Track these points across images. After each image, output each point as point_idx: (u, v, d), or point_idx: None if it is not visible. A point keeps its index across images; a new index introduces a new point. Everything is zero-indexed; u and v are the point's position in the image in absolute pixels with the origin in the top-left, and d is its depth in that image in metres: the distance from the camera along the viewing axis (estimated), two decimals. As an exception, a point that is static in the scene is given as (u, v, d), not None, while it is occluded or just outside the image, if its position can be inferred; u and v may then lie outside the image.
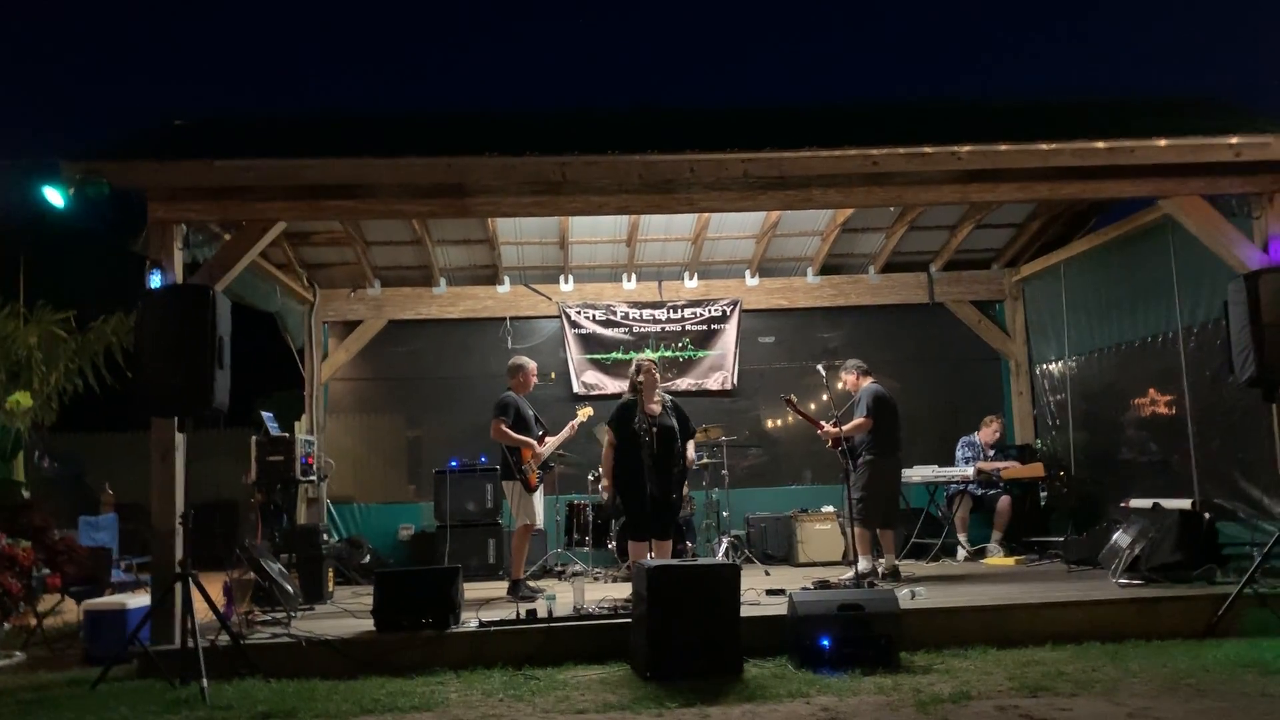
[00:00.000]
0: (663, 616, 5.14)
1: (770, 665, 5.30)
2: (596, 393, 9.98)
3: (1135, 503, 7.72)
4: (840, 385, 8.17)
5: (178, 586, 5.38)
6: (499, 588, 7.61)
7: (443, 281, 10.16)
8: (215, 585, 6.05)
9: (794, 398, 8.00)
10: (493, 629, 5.70)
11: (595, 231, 9.52)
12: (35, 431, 8.96)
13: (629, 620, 5.57)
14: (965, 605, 6.06)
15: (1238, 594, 5.77)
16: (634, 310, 10.25)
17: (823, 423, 7.83)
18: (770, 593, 6.57)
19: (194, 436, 5.84)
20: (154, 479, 5.90)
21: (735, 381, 10.24)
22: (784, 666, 5.26)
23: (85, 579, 7.03)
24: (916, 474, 9.10)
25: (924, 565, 8.58)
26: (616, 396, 9.55)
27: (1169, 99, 8.51)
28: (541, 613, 5.83)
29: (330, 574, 7.72)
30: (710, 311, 10.29)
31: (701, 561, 6.84)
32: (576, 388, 10.08)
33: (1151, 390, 8.27)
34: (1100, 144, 6.40)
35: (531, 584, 7.60)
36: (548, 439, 7.70)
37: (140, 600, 6.20)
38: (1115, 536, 7.00)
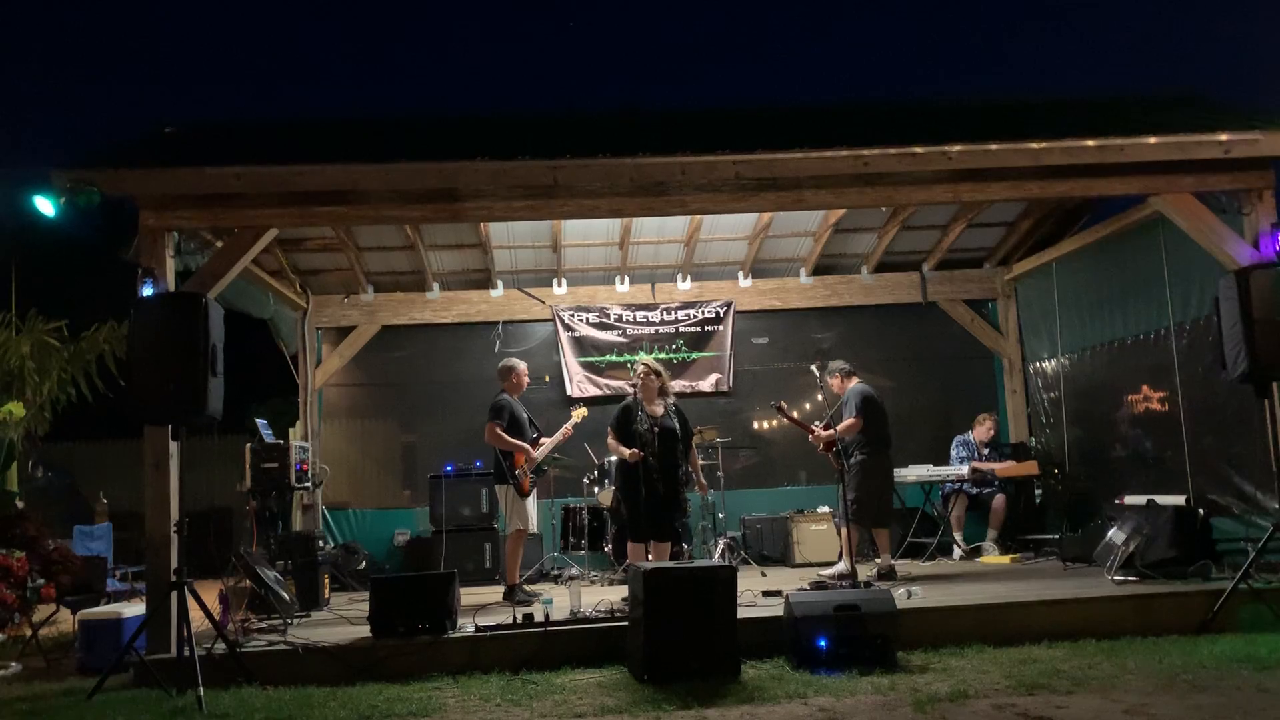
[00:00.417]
0: (659, 619, 5.14)
1: (767, 666, 5.30)
2: (591, 395, 9.98)
3: (1129, 499, 7.74)
4: (827, 388, 8.17)
5: (173, 595, 5.37)
6: (495, 592, 7.60)
7: (436, 286, 10.15)
8: (211, 593, 6.04)
9: (784, 404, 8.02)
10: (489, 634, 5.69)
11: (588, 234, 9.52)
12: (29, 441, 8.95)
13: (626, 623, 5.57)
14: (961, 604, 6.07)
15: (1233, 589, 5.78)
16: (627, 313, 10.25)
17: (814, 426, 7.84)
18: (767, 594, 6.58)
19: (188, 444, 5.83)
20: (148, 487, 5.88)
21: (730, 383, 10.24)
22: (781, 667, 5.26)
23: (80, 588, 7.02)
24: (912, 473, 9.12)
25: (920, 564, 8.59)
26: (611, 399, 9.58)
27: (1158, 96, 8.53)
28: (538, 617, 5.82)
29: (326, 580, 7.71)
30: (704, 313, 10.29)
31: (697, 563, 6.84)
32: (571, 391, 10.07)
33: (1144, 387, 8.29)
34: (1090, 142, 6.42)
35: (527, 588, 7.60)
36: (542, 441, 7.69)
37: (136, 609, 6.18)
38: (1110, 533, 7.01)
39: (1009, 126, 6.99)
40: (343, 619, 6.58)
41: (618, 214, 7.50)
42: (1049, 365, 9.78)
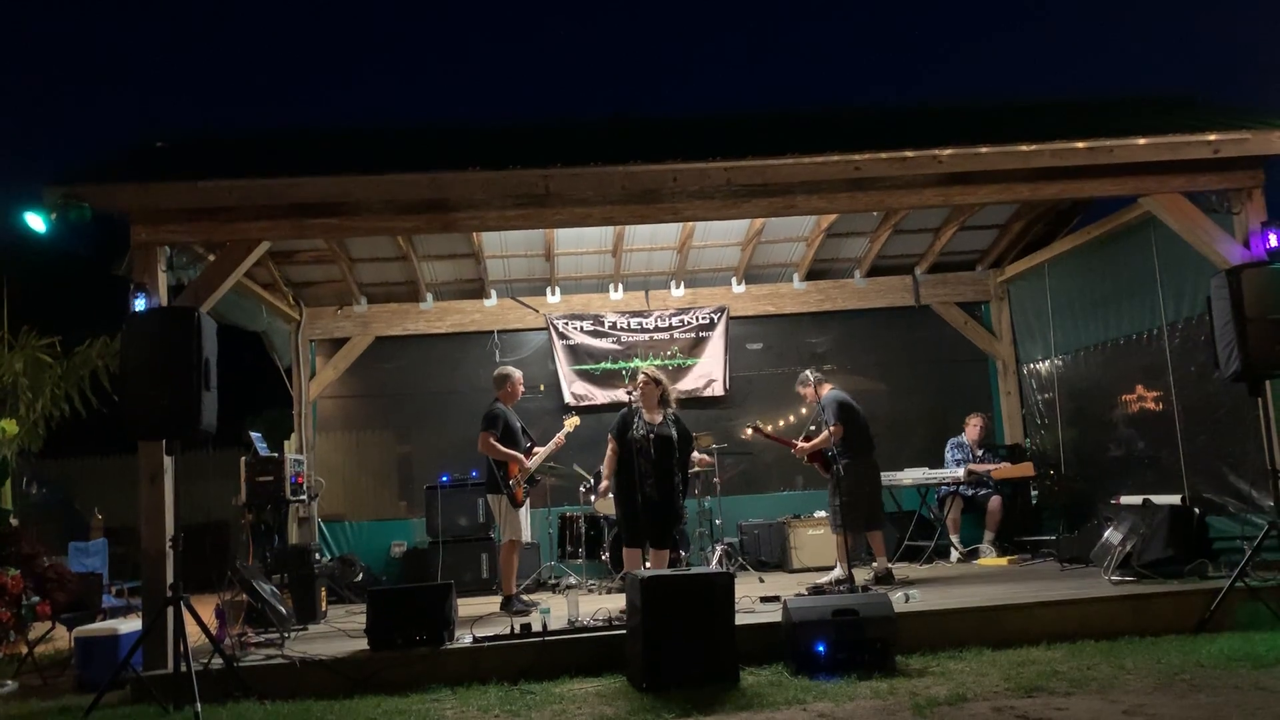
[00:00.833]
0: (657, 627, 5.13)
1: (766, 673, 5.29)
2: (586, 403, 9.97)
3: (1125, 499, 7.75)
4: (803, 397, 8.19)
5: (169, 610, 5.35)
6: (493, 602, 7.58)
7: (429, 296, 10.15)
8: (207, 608, 6.02)
9: (759, 425, 8.07)
10: (487, 644, 5.68)
11: (581, 243, 9.52)
12: (23, 458, 8.92)
13: (624, 631, 5.56)
14: (959, 607, 6.07)
15: (1229, 588, 5.79)
16: (622, 320, 10.25)
17: (795, 441, 7.86)
18: (765, 600, 6.58)
19: (182, 458, 5.82)
20: (143, 502, 5.87)
21: (725, 388, 10.24)
22: (780, 673, 5.26)
23: (76, 605, 6.99)
24: (908, 476, 9.13)
25: (918, 568, 8.59)
26: (606, 407, 9.59)
27: (1147, 97, 8.58)
28: (536, 626, 5.82)
29: (323, 593, 7.69)
30: (698, 319, 10.29)
31: (695, 570, 6.83)
32: (566, 399, 10.06)
33: (1138, 387, 8.31)
34: (1080, 144, 6.45)
35: (525, 598, 7.58)
36: (535, 451, 7.68)
37: (132, 625, 6.16)
38: (1106, 534, 7.02)
39: (999, 129, 7.01)
40: (340, 631, 6.56)
41: (610, 222, 7.51)
42: (1043, 367, 9.80)
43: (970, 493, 9.15)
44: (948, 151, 6.41)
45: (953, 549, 9.00)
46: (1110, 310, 8.61)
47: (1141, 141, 6.45)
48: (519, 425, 7.67)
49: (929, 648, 5.57)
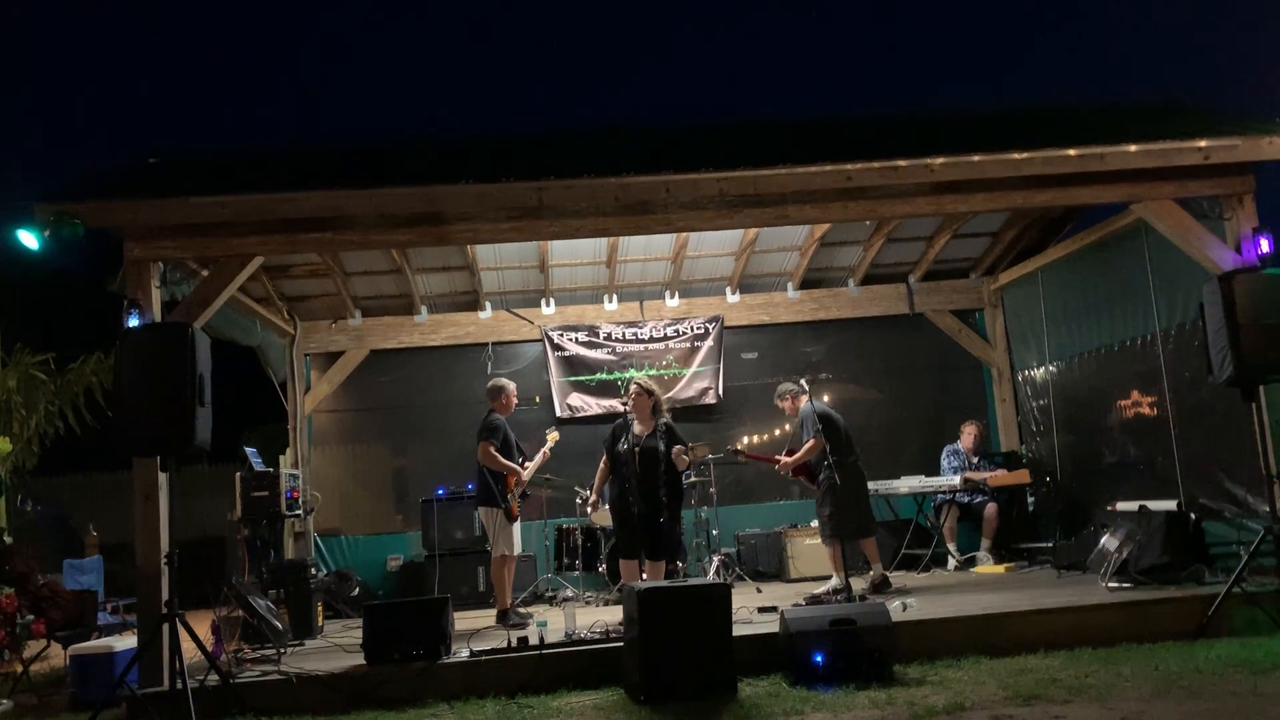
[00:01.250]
0: (655, 639, 5.12)
1: (764, 683, 5.28)
2: (581, 415, 9.97)
3: (1122, 505, 7.75)
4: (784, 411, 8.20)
5: (165, 627, 5.33)
6: (490, 615, 7.56)
7: (424, 309, 10.14)
8: (203, 624, 6.00)
9: (739, 447, 8.10)
10: (484, 658, 5.66)
11: (575, 254, 9.53)
12: (17, 476, 8.89)
13: (621, 644, 5.55)
14: (957, 615, 6.07)
15: (1226, 593, 5.79)
16: (616, 330, 10.25)
17: (778, 457, 7.87)
18: (762, 610, 6.57)
19: (178, 474, 5.79)
20: (138, 519, 5.85)
21: (720, 397, 10.24)
22: (778, 684, 5.25)
23: (71, 623, 6.96)
24: (904, 485, 9.12)
25: (915, 576, 8.58)
26: (601, 418, 9.58)
27: (1137, 104, 8.61)
28: (533, 639, 5.80)
29: (319, 608, 7.67)
30: (692, 329, 10.30)
31: (692, 581, 6.83)
32: (560, 411, 10.06)
33: (1133, 393, 8.32)
34: (1071, 151, 6.47)
35: (521, 610, 7.56)
36: (526, 464, 7.67)
37: (128, 642, 6.14)
38: (1103, 540, 7.02)
39: (990, 137, 7.04)
40: (337, 647, 6.54)
41: (604, 233, 7.52)
42: (1038, 373, 9.81)
43: (966, 500, 9.15)
44: (939, 160, 6.43)
45: (949, 557, 8.99)
46: (1104, 316, 8.63)
47: (1133, 148, 6.48)
48: (514, 438, 7.66)
49: (927, 656, 5.56)
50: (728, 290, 10.40)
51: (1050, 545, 8.40)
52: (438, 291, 10.05)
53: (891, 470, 9.42)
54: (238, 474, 8.06)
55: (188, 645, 5.29)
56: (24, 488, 9.67)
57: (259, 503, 7.89)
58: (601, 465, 7.23)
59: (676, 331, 10.29)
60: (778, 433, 9.92)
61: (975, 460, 9.32)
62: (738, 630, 5.46)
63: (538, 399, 10.10)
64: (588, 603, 8.30)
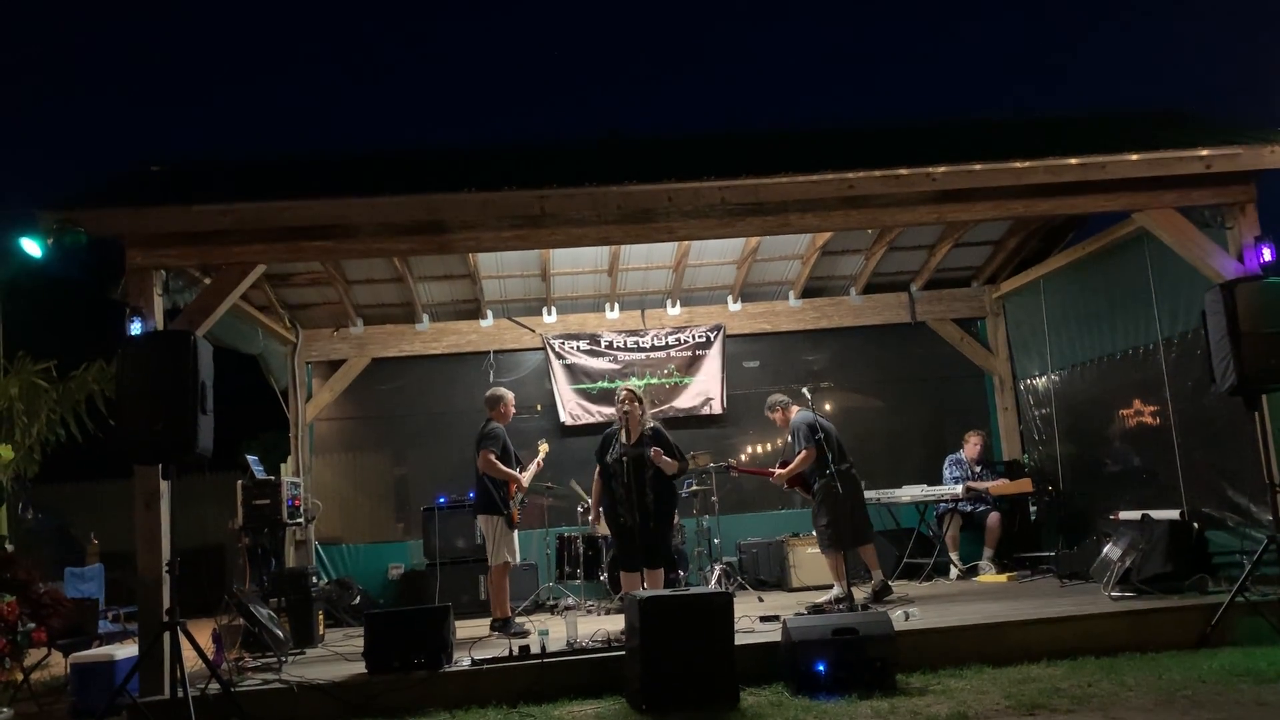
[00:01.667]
0: (656, 648, 5.10)
1: (766, 693, 5.27)
2: (584, 423, 9.96)
3: (1124, 515, 7.73)
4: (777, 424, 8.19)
5: (166, 635, 5.32)
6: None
7: (425, 318, 10.15)
8: (204, 632, 5.99)
9: (733, 462, 8.07)
10: (485, 667, 5.65)
11: (577, 262, 9.54)
12: (18, 483, 8.88)
13: (623, 653, 5.53)
14: (959, 624, 6.04)
15: (1229, 603, 5.77)
16: (618, 339, 10.26)
17: (772, 470, 7.87)
18: (764, 619, 6.55)
19: (179, 482, 5.80)
20: (139, 527, 5.84)
21: (723, 406, 10.24)
22: (780, 693, 5.23)
23: (72, 631, 6.95)
24: (906, 494, 9.12)
25: (917, 585, 8.57)
26: (604, 426, 9.56)
27: (1138, 113, 8.62)
28: (534, 648, 5.79)
29: (320, 617, 7.65)
30: (694, 338, 10.30)
31: (694, 590, 6.81)
32: (564, 418, 10.06)
33: (1135, 402, 8.31)
34: (1073, 160, 6.47)
35: (518, 619, 7.54)
36: (523, 474, 7.66)
37: (128, 651, 6.13)
38: (1106, 549, 7.01)
39: (992, 146, 7.04)
40: (338, 655, 6.53)
41: (605, 241, 7.52)
42: (1040, 382, 9.80)
43: (969, 509, 9.14)
44: (941, 169, 6.44)
45: (952, 566, 8.97)
46: (1106, 325, 8.62)
47: (1134, 157, 6.48)
48: (513, 447, 7.65)
49: (929, 666, 5.54)
50: (729, 299, 10.40)
51: (1053, 554, 8.39)
52: (439, 300, 10.06)
53: (893, 479, 9.41)
54: (239, 482, 8.05)
55: (189, 653, 5.29)
56: (25, 495, 9.65)
57: (260, 511, 7.88)
58: (596, 477, 7.21)
59: (678, 340, 10.29)
60: (779, 442, 9.89)
61: (978, 469, 9.30)
62: (740, 639, 5.44)
63: (539, 407, 10.11)
64: (589, 611, 8.28)
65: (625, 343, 10.25)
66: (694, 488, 8.96)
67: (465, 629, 7.19)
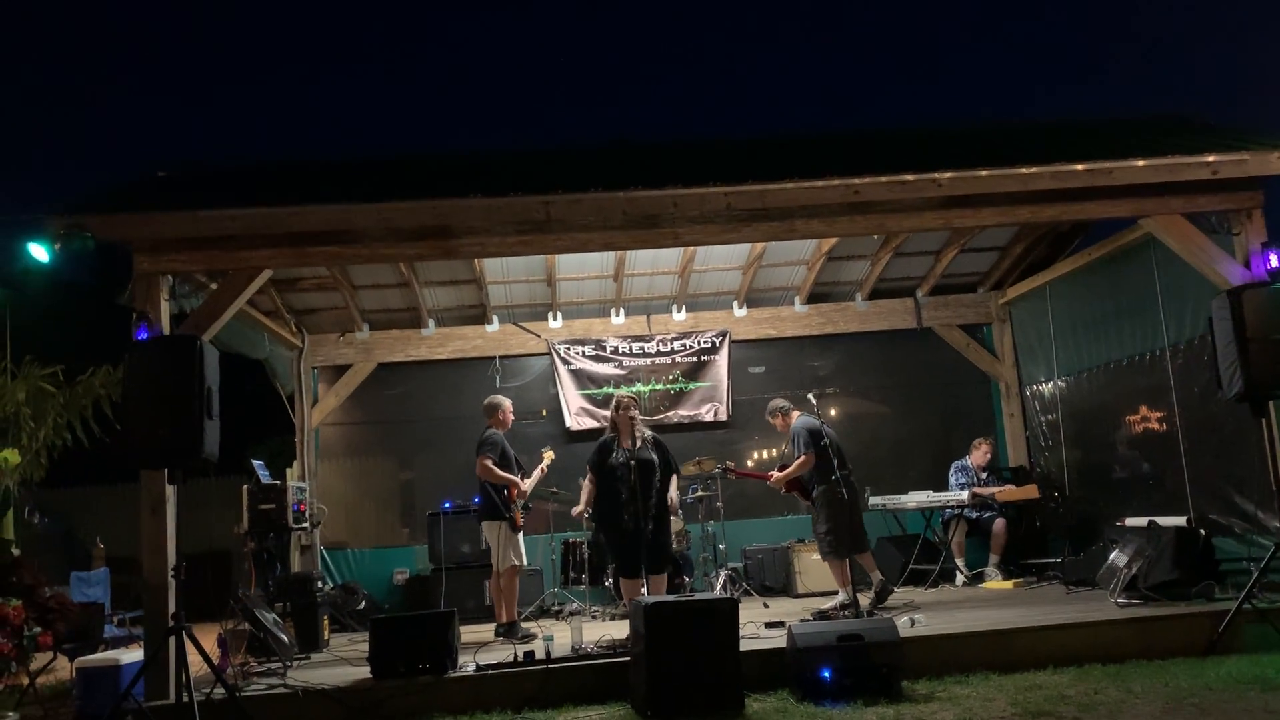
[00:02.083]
0: (661, 653, 5.10)
1: (771, 699, 5.25)
2: (590, 428, 9.95)
3: (1131, 521, 7.71)
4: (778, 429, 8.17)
5: (171, 640, 5.33)
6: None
7: (431, 323, 10.16)
8: (209, 637, 5.99)
9: (731, 464, 8.06)
10: (490, 672, 5.64)
11: (582, 268, 9.54)
12: (24, 488, 8.90)
13: (628, 659, 5.53)
14: (965, 631, 6.03)
15: (1237, 610, 5.75)
16: (624, 344, 10.26)
17: (771, 473, 7.85)
18: (769, 625, 6.54)
19: (184, 487, 5.80)
20: (144, 532, 5.85)
21: (728, 412, 10.23)
22: (785, 700, 5.22)
23: (77, 635, 6.95)
24: (912, 500, 9.10)
25: (923, 591, 8.55)
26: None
27: (1145, 118, 8.61)
28: (539, 654, 5.78)
29: (325, 622, 7.65)
30: (699, 343, 10.30)
31: (699, 596, 6.80)
32: (569, 424, 10.06)
33: (1142, 408, 8.30)
34: (1079, 166, 6.46)
35: (522, 625, 7.53)
36: (524, 481, 7.66)
37: (134, 655, 6.12)
38: (1112, 556, 6.98)
39: (998, 152, 7.04)
40: (343, 660, 6.53)
41: (611, 247, 7.53)
42: (1046, 388, 9.79)
43: (975, 515, 9.12)
44: (947, 175, 6.43)
45: (958, 572, 8.95)
46: (1112, 331, 8.61)
47: (1140, 163, 6.47)
48: (512, 453, 7.66)
49: (935, 672, 5.53)
50: (735, 304, 10.40)
51: (1059, 561, 8.36)
52: (445, 305, 10.07)
53: (899, 485, 9.40)
54: (244, 487, 8.06)
55: (194, 658, 5.28)
56: (31, 500, 9.68)
57: (265, 515, 7.89)
58: (588, 484, 7.17)
59: (683, 345, 10.29)
60: (785, 447, 9.89)
61: (984, 475, 9.29)
62: (745, 645, 5.43)
63: (544, 412, 10.11)
64: (594, 617, 8.28)
65: (630, 348, 10.26)
66: (699, 493, 8.95)
67: (470, 634, 7.19)
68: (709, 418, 10.21)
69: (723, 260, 9.68)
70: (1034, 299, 9.86)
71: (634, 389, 9.87)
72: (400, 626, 5.91)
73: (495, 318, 10.19)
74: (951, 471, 9.37)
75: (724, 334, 10.32)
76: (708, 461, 8.96)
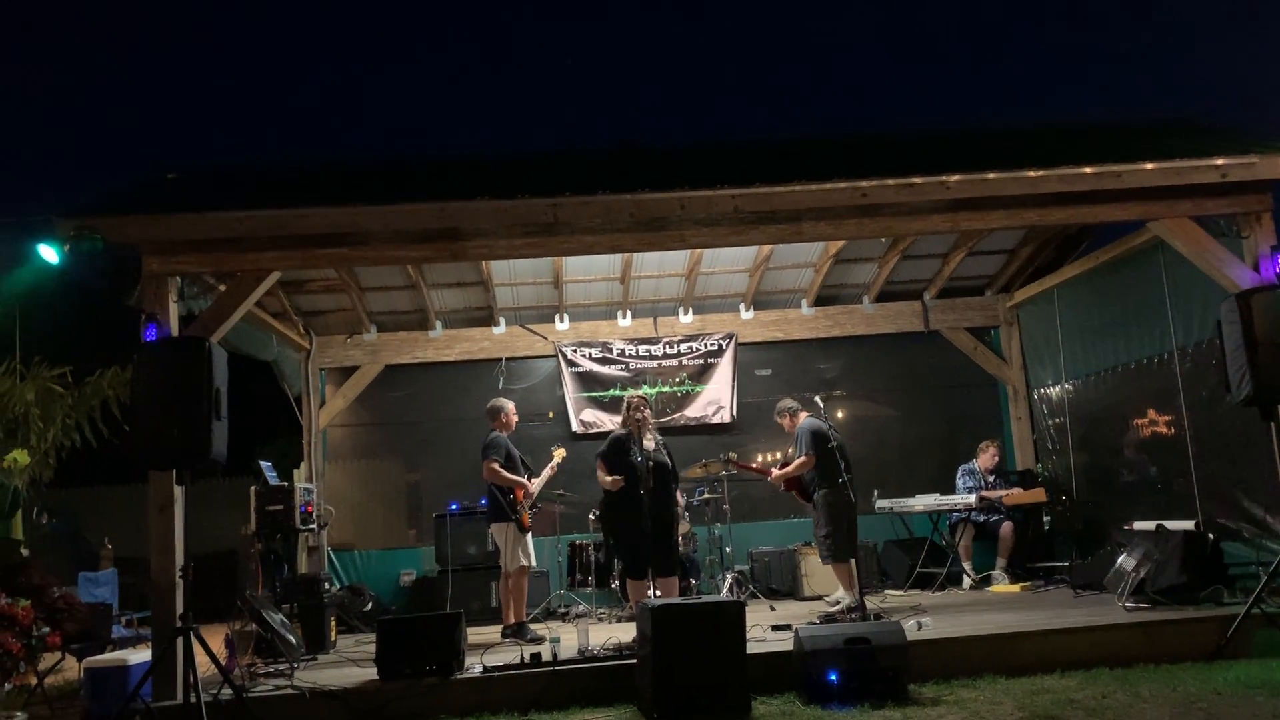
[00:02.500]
0: (668, 656, 5.10)
1: (778, 702, 5.25)
2: (595, 430, 9.96)
3: (1138, 525, 7.68)
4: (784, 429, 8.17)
5: (179, 640, 5.34)
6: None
7: (438, 325, 10.18)
8: (217, 638, 6.00)
9: (734, 456, 8.05)
10: (497, 674, 5.65)
11: (589, 270, 9.55)
12: (33, 488, 8.93)
13: (634, 661, 5.52)
14: (972, 634, 6.02)
15: (1245, 614, 5.73)
16: (630, 347, 10.26)
17: (771, 469, 7.85)
18: (776, 628, 6.54)
19: (192, 488, 5.80)
20: (152, 532, 5.87)
21: (734, 415, 10.23)
22: (792, 703, 5.22)
23: (85, 635, 6.96)
24: (919, 503, 9.08)
25: (930, 595, 8.53)
26: (614, 434, 9.57)
27: (1153, 121, 8.59)
28: (546, 656, 5.78)
29: (332, 623, 7.66)
30: (706, 346, 10.30)
31: (705, 599, 6.80)
32: (575, 426, 10.06)
33: (1150, 411, 8.27)
34: (1087, 169, 6.45)
35: (529, 625, 7.54)
36: (532, 480, 7.68)
37: (141, 656, 6.14)
38: (1120, 560, 6.96)
39: (1006, 155, 7.03)
40: (350, 661, 6.54)
41: (618, 249, 7.54)
42: (1053, 391, 9.76)
43: (982, 519, 9.10)
44: (955, 177, 6.42)
45: (965, 576, 8.93)
46: (1120, 334, 8.59)
47: (1149, 166, 6.46)
48: (517, 454, 7.67)
49: (942, 676, 5.52)
50: (741, 307, 10.40)
51: (1066, 564, 8.34)
52: (452, 307, 10.09)
53: (906, 488, 9.38)
54: (252, 488, 8.07)
55: (201, 659, 5.29)
56: (40, 500, 9.70)
57: (273, 517, 7.90)
58: (602, 472, 7.19)
59: (690, 348, 10.29)
60: (790, 450, 9.88)
61: (991, 479, 9.27)
62: (751, 648, 5.43)
63: (551, 414, 10.12)
64: (601, 619, 8.28)
65: (637, 350, 10.26)
66: (705, 496, 8.95)
67: (477, 635, 7.20)
68: (715, 420, 10.21)
69: (730, 263, 9.68)
70: (1042, 302, 9.84)
71: (640, 391, 9.86)
72: (407, 628, 5.92)
73: (502, 320, 10.21)
74: (959, 475, 9.35)
75: (730, 336, 10.32)
76: (714, 464, 8.96)
